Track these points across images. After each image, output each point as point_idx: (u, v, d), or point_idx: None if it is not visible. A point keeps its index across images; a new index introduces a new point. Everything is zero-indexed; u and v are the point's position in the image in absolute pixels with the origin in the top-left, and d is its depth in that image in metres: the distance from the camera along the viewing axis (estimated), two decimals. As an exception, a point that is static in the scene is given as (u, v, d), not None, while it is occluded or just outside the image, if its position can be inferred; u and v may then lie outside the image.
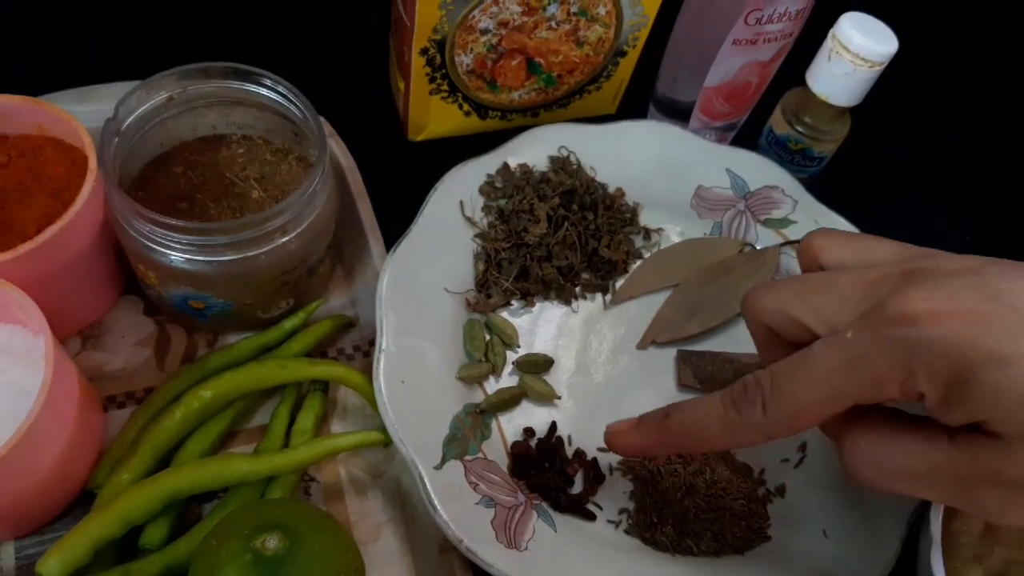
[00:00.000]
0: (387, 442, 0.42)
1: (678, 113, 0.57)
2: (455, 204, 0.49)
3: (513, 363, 0.47)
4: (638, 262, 0.52)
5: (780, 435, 0.33)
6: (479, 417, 0.45)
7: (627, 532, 0.44)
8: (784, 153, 0.55)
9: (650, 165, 0.54)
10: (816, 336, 0.32)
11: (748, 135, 0.59)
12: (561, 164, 0.52)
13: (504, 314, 0.49)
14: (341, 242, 0.51)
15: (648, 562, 0.42)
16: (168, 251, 0.41)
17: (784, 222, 0.53)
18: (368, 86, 0.60)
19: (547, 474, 0.44)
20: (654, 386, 0.48)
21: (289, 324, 0.47)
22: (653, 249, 0.53)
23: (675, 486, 0.44)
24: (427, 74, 0.52)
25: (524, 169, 0.52)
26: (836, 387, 0.30)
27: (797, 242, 0.52)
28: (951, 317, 0.28)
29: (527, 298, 0.50)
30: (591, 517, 0.43)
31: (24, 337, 0.40)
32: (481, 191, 0.51)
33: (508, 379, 0.47)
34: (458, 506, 0.40)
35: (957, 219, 0.61)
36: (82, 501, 0.42)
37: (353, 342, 0.49)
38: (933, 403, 0.29)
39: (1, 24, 0.60)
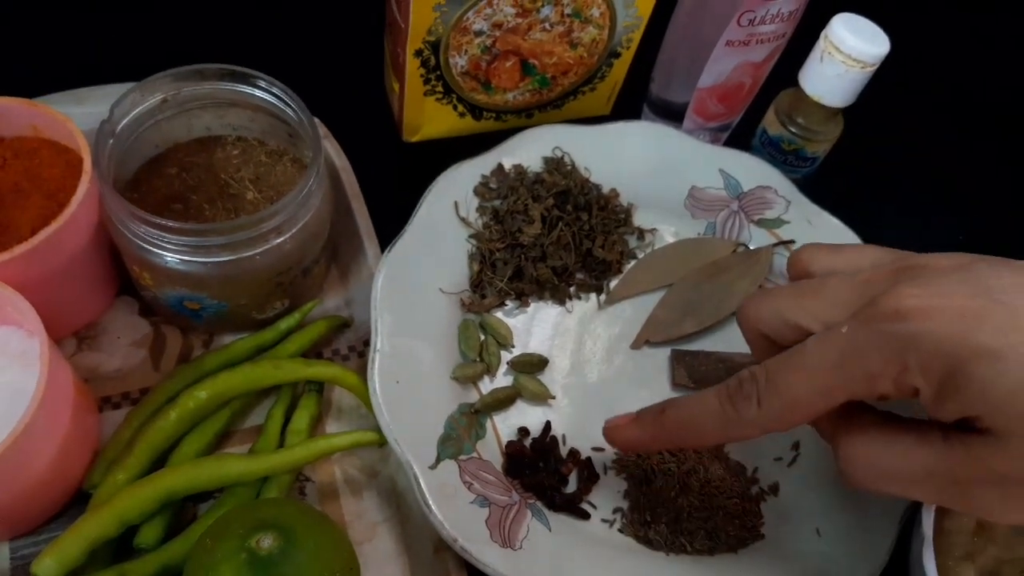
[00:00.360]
0: (382, 442, 0.42)
1: (672, 114, 0.58)
2: (450, 205, 0.50)
3: (508, 363, 0.48)
4: (632, 262, 0.53)
5: (774, 429, 0.33)
6: (474, 417, 0.45)
7: (621, 531, 0.44)
8: (777, 154, 0.55)
9: (644, 166, 0.54)
10: None
11: (741, 136, 0.59)
12: (555, 165, 0.52)
13: (499, 314, 0.49)
14: (336, 243, 0.51)
15: (642, 561, 0.43)
16: (163, 252, 0.41)
17: (777, 222, 0.54)
18: (363, 87, 0.60)
19: (541, 473, 0.44)
20: (648, 386, 0.49)
21: (284, 325, 0.47)
22: (647, 249, 0.53)
23: (669, 485, 0.44)
24: (422, 75, 0.53)
25: (518, 170, 0.52)
26: (830, 381, 0.31)
27: (791, 242, 0.53)
28: (942, 313, 0.28)
29: (522, 298, 0.50)
30: (585, 516, 0.44)
31: (19, 338, 0.40)
32: (476, 192, 0.51)
33: (503, 379, 0.47)
34: (453, 506, 0.40)
35: (950, 219, 0.61)
36: (78, 501, 0.42)
37: (348, 342, 0.50)
38: (927, 398, 0.29)
39: (-3, 26, 0.60)
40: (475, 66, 0.53)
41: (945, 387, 0.28)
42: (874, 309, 0.30)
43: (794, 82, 0.52)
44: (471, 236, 0.50)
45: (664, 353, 0.50)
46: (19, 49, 0.59)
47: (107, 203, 0.41)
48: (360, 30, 0.61)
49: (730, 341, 0.50)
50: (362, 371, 0.44)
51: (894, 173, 0.64)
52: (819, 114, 0.52)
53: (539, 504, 0.43)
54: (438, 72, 0.53)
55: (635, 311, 0.51)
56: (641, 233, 0.53)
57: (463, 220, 0.50)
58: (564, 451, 0.46)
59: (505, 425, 0.46)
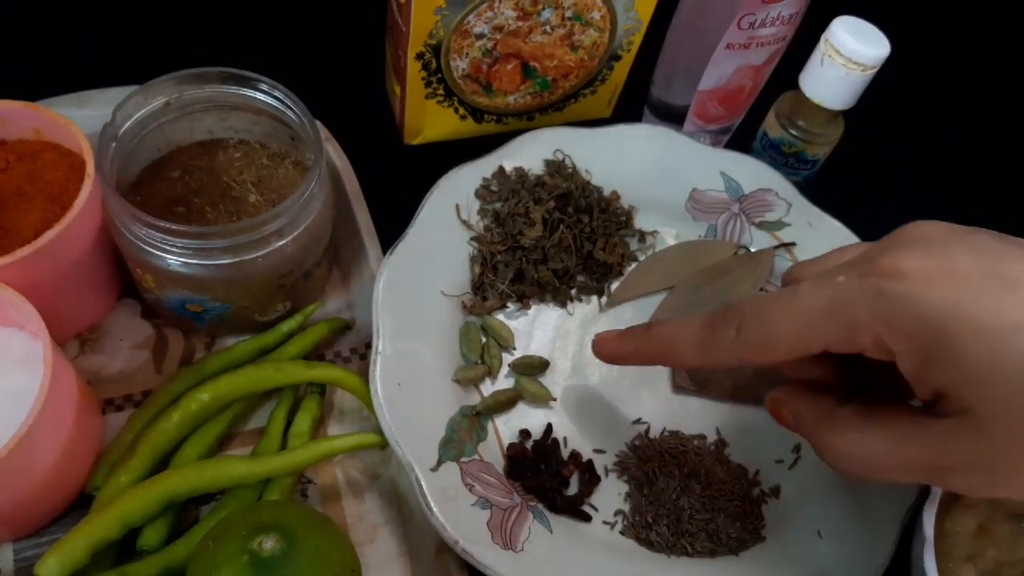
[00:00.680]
0: (383, 444, 0.43)
1: (673, 116, 0.58)
2: (451, 207, 0.50)
3: (509, 365, 0.48)
4: (633, 265, 0.53)
5: (748, 359, 0.33)
6: (475, 419, 0.45)
7: (622, 533, 0.44)
8: (778, 156, 0.55)
9: (645, 168, 0.54)
10: None
11: (742, 138, 0.59)
12: (556, 167, 0.53)
13: (500, 316, 0.49)
14: (338, 245, 0.51)
15: (643, 563, 0.43)
16: (165, 255, 0.41)
17: (778, 224, 0.54)
18: (364, 90, 0.60)
19: (543, 476, 0.44)
20: (649, 388, 0.49)
21: (286, 327, 0.47)
22: (648, 252, 0.53)
23: (670, 487, 0.44)
24: (423, 78, 0.53)
25: (520, 172, 0.52)
26: (812, 325, 0.31)
27: (792, 244, 0.53)
28: (939, 279, 0.28)
29: (523, 301, 0.50)
30: (587, 518, 0.44)
31: (23, 340, 0.40)
32: (477, 194, 0.51)
33: (504, 381, 0.47)
34: (454, 508, 0.40)
35: (951, 220, 0.61)
36: (80, 503, 0.42)
37: (350, 345, 0.50)
38: (909, 365, 0.29)
39: (0, 29, 0.60)
40: (476, 69, 0.53)
41: (930, 356, 0.28)
42: (873, 264, 0.30)
43: (795, 85, 0.52)
44: (472, 239, 0.50)
45: (665, 355, 0.50)
46: (21, 52, 0.59)
47: (110, 206, 0.41)
48: (361, 33, 0.61)
49: (731, 343, 0.51)
50: (364, 373, 0.44)
51: (895, 175, 0.64)
52: (820, 117, 0.53)
53: (540, 506, 0.43)
54: (439, 75, 0.53)
55: (636, 313, 0.51)
56: (642, 235, 0.53)
57: (464, 223, 0.50)
58: (565, 453, 0.46)
59: (506, 427, 0.46)
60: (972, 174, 0.66)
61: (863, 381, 0.36)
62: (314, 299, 0.49)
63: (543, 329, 0.50)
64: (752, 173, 0.54)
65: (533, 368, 0.48)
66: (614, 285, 0.52)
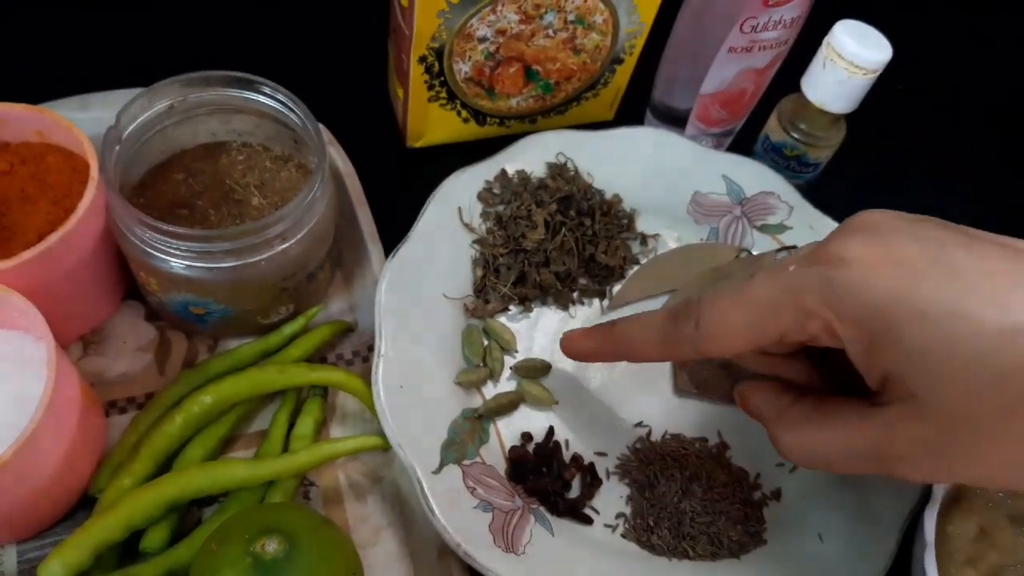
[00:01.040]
0: (386, 447, 0.43)
1: (675, 120, 0.58)
2: (453, 210, 0.50)
3: (511, 368, 0.48)
4: (635, 267, 0.53)
5: (709, 352, 0.34)
6: (477, 422, 0.45)
7: (624, 536, 0.44)
8: (780, 159, 0.55)
9: (647, 171, 0.54)
10: None
11: (744, 141, 0.60)
12: (559, 170, 0.53)
13: (502, 319, 0.49)
14: (340, 248, 0.51)
15: (645, 566, 0.43)
16: (169, 258, 0.41)
17: (780, 228, 0.54)
18: (367, 93, 0.61)
19: (545, 478, 0.44)
20: (650, 391, 0.49)
21: (289, 330, 0.47)
22: (650, 254, 0.53)
23: (671, 490, 0.44)
24: (425, 81, 0.53)
25: (522, 175, 0.52)
26: (765, 313, 0.32)
27: (793, 247, 0.53)
28: (885, 267, 0.29)
29: (525, 303, 0.50)
30: (588, 521, 0.44)
31: (26, 343, 0.40)
32: (479, 197, 0.51)
33: (506, 384, 0.47)
34: (456, 510, 0.40)
35: (954, 223, 0.61)
36: (83, 505, 0.42)
37: (352, 347, 0.50)
38: (856, 351, 0.30)
39: (3, 31, 0.60)
40: (479, 72, 0.53)
41: (875, 342, 0.29)
42: (821, 252, 0.31)
43: (796, 88, 0.53)
44: (475, 241, 0.50)
45: (667, 358, 0.50)
46: (25, 54, 0.60)
47: (113, 209, 0.41)
48: (364, 36, 0.61)
49: (733, 346, 0.51)
50: (366, 376, 0.44)
51: (896, 178, 0.64)
52: (821, 120, 0.53)
53: (542, 509, 0.43)
54: (442, 78, 0.53)
55: (638, 316, 0.51)
56: (644, 238, 0.54)
57: (467, 226, 0.50)
58: (567, 456, 0.46)
59: (508, 430, 0.46)
60: (973, 176, 0.66)
61: (834, 380, 0.36)
62: (317, 302, 0.49)
63: (545, 332, 0.50)
64: (754, 176, 0.55)
65: (535, 371, 0.48)
66: (616, 288, 0.52)
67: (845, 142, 0.54)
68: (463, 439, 0.44)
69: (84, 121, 0.45)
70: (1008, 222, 0.63)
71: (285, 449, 0.44)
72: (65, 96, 0.49)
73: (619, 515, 0.44)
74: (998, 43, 0.76)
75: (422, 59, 0.51)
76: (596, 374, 0.49)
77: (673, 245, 0.54)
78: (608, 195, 0.53)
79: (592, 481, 0.45)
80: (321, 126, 0.46)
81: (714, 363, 0.49)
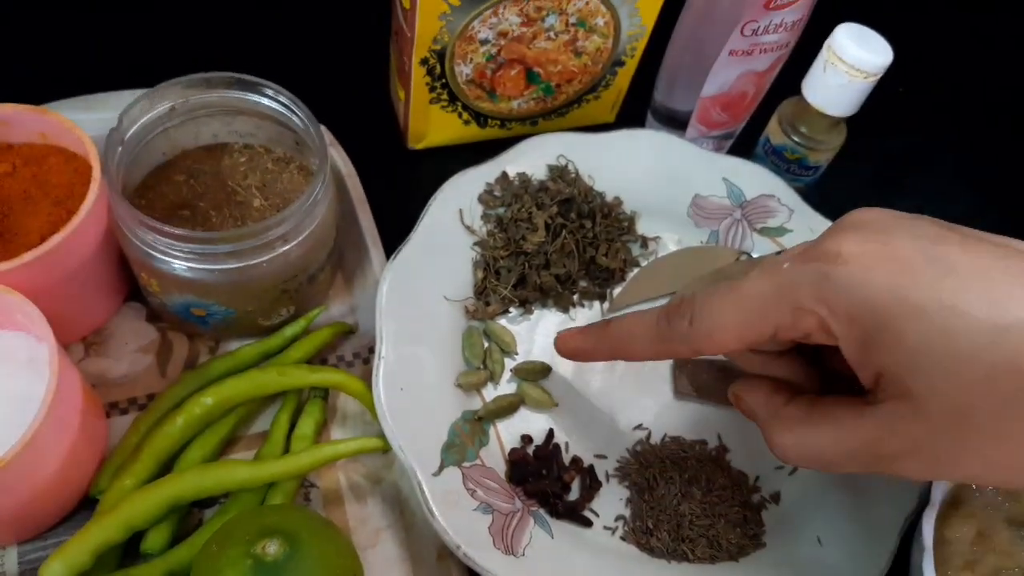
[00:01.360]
0: (386, 449, 0.43)
1: (675, 122, 0.58)
2: (454, 212, 0.50)
3: (511, 370, 0.48)
4: (635, 270, 0.53)
5: (703, 350, 0.34)
6: (477, 424, 0.45)
7: (623, 539, 0.44)
8: (780, 162, 0.55)
9: (648, 174, 0.54)
10: None
11: (744, 144, 0.60)
12: (559, 173, 0.53)
13: (502, 321, 0.49)
14: (341, 250, 0.51)
15: (644, 568, 0.43)
16: (170, 259, 0.41)
17: (780, 231, 0.54)
18: (368, 95, 0.61)
19: (544, 481, 0.44)
20: (650, 394, 0.49)
21: (290, 331, 0.47)
22: (650, 257, 0.53)
23: (671, 493, 0.45)
24: (427, 83, 0.53)
25: (523, 178, 0.52)
26: (759, 310, 0.32)
27: (793, 251, 0.53)
28: (880, 264, 0.29)
29: (525, 306, 0.50)
30: (587, 523, 0.44)
31: (28, 344, 0.40)
32: (480, 199, 0.51)
33: (506, 386, 0.48)
34: (456, 512, 0.40)
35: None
36: (85, 506, 0.42)
37: (353, 349, 0.50)
38: (850, 348, 0.30)
39: (5, 33, 0.61)
40: (480, 74, 0.53)
41: (870, 339, 0.29)
42: (815, 249, 0.31)
43: (797, 91, 0.53)
44: (475, 244, 0.50)
45: (666, 362, 0.50)
46: (27, 55, 0.60)
47: (115, 210, 0.42)
48: (366, 38, 0.61)
49: (732, 349, 0.51)
50: (367, 378, 0.44)
51: (897, 182, 0.64)
52: (822, 123, 0.53)
53: (542, 511, 0.43)
54: (443, 80, 0.53)
55: (638, 319, 0.51)
56: (644, 241, 0.54)
57: (467, 228, 0.50)
58: (567, 458, 0.46)
59: (508, 432, 0.46)
60: (974, 179, 0.66)
61: (827, 380, 0.36)
62: (318, 303, 0.50)
63: (545, 334, 0.50)
64: (754, 179, 0.55)
65: (535, 373, 0.48)
66: (616, 290, 0.52)
67: (846, 145, 0.54)
68: (463, 441, 0.44)
69: (87, 122, 0.45)
70: (1009, 223, 0.63)
71: (286, 451, 0.45)
72: (68, 97, 0.49)
73: (618, 517, 0.45)
74: (998, 45, 0.76)
75: (424, 61, 0.51)
76: (596, 377, 0.49)
77: (673, 248, 0.54)
78: (609, 197, 0.54)
79: (592, 483, 0.45)
80: (323, 128, 0.46)
81: (714, 366, 0.49)
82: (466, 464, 0.43)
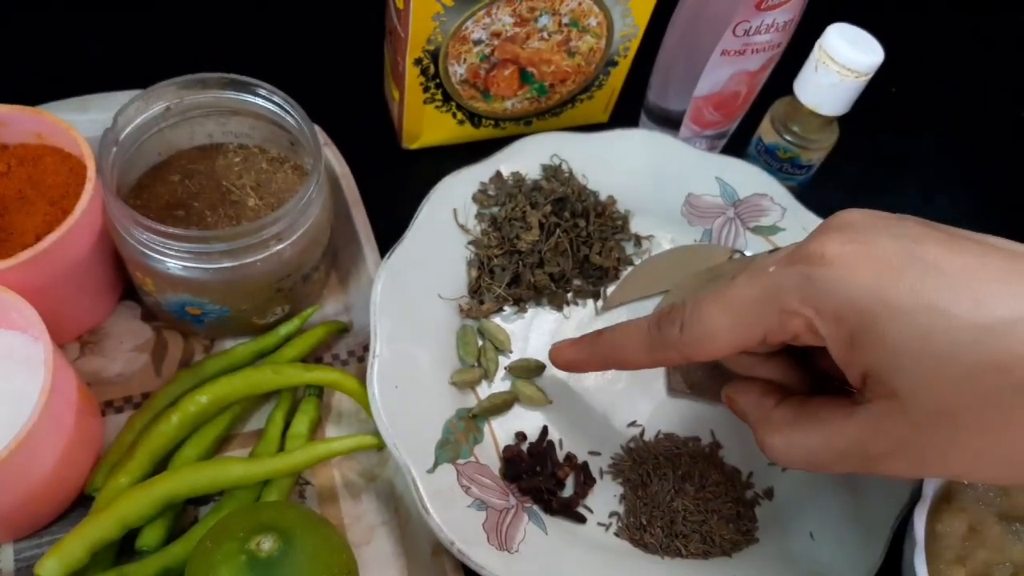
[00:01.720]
0: (381, 446, 0.43)
1: (669, 122, 0.58)
2: (448, 212, 0.50)
3: (505, 368, 0.48)
4: (629, 269, 0.53)
5: (695, 356, 0.35)
6: (471, 421, 0.46)
7: (617, 534, 0.44)
8: (773, 161, 0.56)
9: (641, 173, 0.54)
10: None
11: (737, 144, 0.60)
12: (553, 172, 0.53)
13: (497, 320, 0.50)
14: (336, 249, 0.52)
15: (638, 564, 0.43)
16: (165, 258, 0.41)
17: (773, 229, 0.54)
18: (363, 95, 0.61)
19: (538, 477, 0.44)
20: (644, 391, 0.49)
21: (284, 330, 0.47)
22: (644, 256, 0.54)
23: (664, 489, 0.45)
24: (421, 84, 0.53)
25: (517, 177, 0.52)
26: (747, 314, 0.32)
27: (785, 249, 0.53)
28: (864, 264, 0.29)
29: (519, 304, 0.50)
30: (581, 520, 0.44)
31: (24, 343, 0.41)
32: (474, 199, 0.51)
33: (500, 384, 0.48)
34: (450, 509, 0.41)
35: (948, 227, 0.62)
36: (80, 504, 0.42)
37: (348, 347, 0.50)
38: (838, 349, 0.30)
39: (2, 32, 0.61)
40: (474, 74, 0.54)
41: (856, 339, 0.29)
42: (800, 252, 0.31)
43: (789, 91, 0.53)
44: (470, 243, 0.50)
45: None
46: (23, 55, 0.60)
47: (110, 210, 0.42)
48: (360, 38, 0.61)
49: (726, 347, 0.51)
50: (361, 376, 0.44)
51: (889, 180, 0.65)
52: (814, 122, 0.53)
53: (536, 508, 0.44)
54: (437, 80, 0.53)
55: (632, 317, 0.51)
56: (638, 240, 0.54)
57: (462, 227, 0.50)
58: (561, 455, 0.46)
59: (503, 430, 0.46)
60: (966, 178, 0.66)
61: (817, 380, 0.37)
62: (312, 302, 0.50)
63: (539, 332, 0.50)
64: (747, 178, 0.55)
65: (529, 371, 0.48)
66: (610, 289, 0.52)
67: (838, 144, 0.54)
68: (457, 438, 0.44)
69: (82, 123, 0.45)
70: (1000, 223, 0.64)
71: (281, 448, 0.45)
72: (63, 98, 0.50)
73: (612, 514, 0.45)
74: (990, 45, 0.76)
75: (417, 61, 0.51)
76: (590, 374, 0.49)
77: (667, 246, 0.54)
78: (602, 196, 0.54)
79: (585, 480, 0.45)
80: (317, 128, 0.46)
81: (707, 364, 0.50)
82: (460, 461, 0.43)
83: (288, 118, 0.45)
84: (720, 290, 0.33)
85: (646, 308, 0.52)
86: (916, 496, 0.42)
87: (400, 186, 0.54)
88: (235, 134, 0.49)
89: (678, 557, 0.43)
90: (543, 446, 0.46)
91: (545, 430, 0.47)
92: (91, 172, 0.43)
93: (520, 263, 0.50)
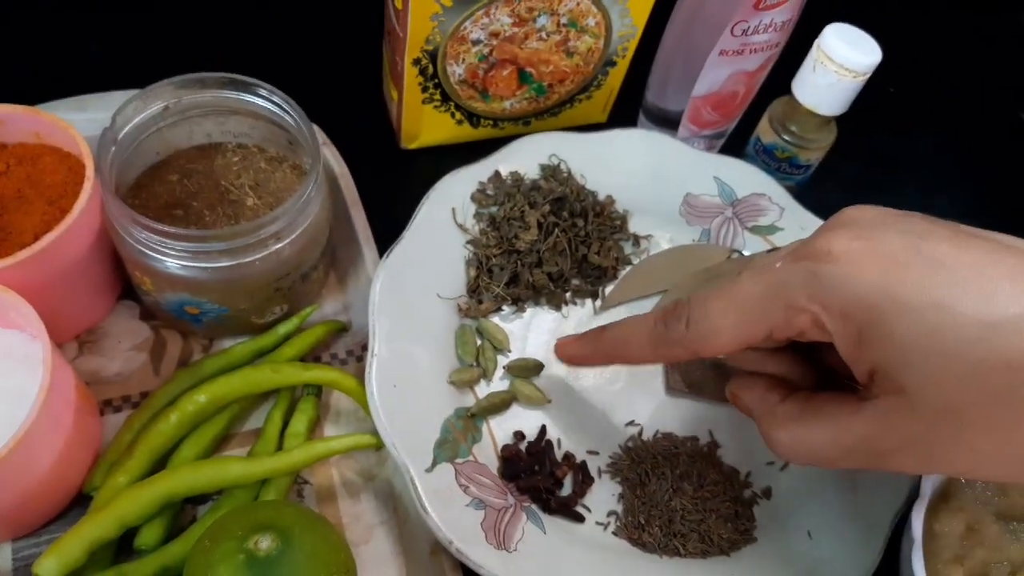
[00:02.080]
0: (379, 445, 0.43)
1: (667, 122, 0.58)
2: (447, 211, 0.50)
3: (504, 367, 0.48)
4: (627, 268, 0.53)
5: (700, 352, 0.34)
6: (470, 421, 0.46)
7: (615, 534, 0.44)
8: (771, 161, 0.56)
9: (640, 173, 0.55)
10: None
11: (736, 143, 0.60)
12: (552, 172, 0.53)
13: (495, 319, 0.50)
14: (335, 248, 0.52)
15: (636, 563, 0.43)
16: (164, 258, 0.41)
17: (771, 229, 0.54)
18: (362, 95, 0.61)
19: (537, 476, 0.44)
20: (642, 390, 0.49)
21: (283, 329, 0.47)
22: (642, 255, 0.54)
23: (662, 488, 0.45)
24: (420, 84, 0.53)
25: (515, 177, 0.52)
26: (753, 311, 0.32)
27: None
28: (870, 260, 0.29)
29: (518, 304, 0.50)
30: (580, 519, 0.44)
31: (22, 342, 0.41)
32: (473, 198, 0.51)
33: (499, 383, 0.48)
34: (449, 508, 0.41)
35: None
36: (79, 503, 0.43)
37: (346, 347, 0.50)
38: (845, 345, 0.30)
39: (1, 32, 0.61)
40: (472, 75, 0.54)
41: (863, 335, 0.29)
42: (806, 248, 0.31)
43: (788, 90, 0.53)
44: (468, 242, 0.50)
45: (659, 358, 0.50)
46: (22, 55, 0.60)
47: (109, 209, 0.42)
48: (359, 38, 0.61)
49: (724, 346, 0.51)
50: (360, 375, 0.44)
51: (887, 180, 0.65)
52: (812, 122, 0.53)
53: (534, 507, 0.44)
54: (436, 80, 0.53)
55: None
56: (636, 239, 0.54)
57: (460, 226, 0.50)
58: (559, 455, 0.46)
59: (501, 429, 0.46)
60: (964, 178, 0.67)
61: (822, 376, 0.37)
62: (311, 302, 0.50)
63: (538, 332, 0.50)
64: (745, 178, 0.55)
65: (528, 370, 0.48)
66: (608, 288, 0.52)
67: (836, 144, 0.55)
68: (456, 438, 0.44)
69: (81, 122, 0.45)
70: (999, 223, 0.64)
71: (279, 448, 0.45)
72: (62, 97, 0.50)
73: (610, 513, 0.45)
74: (988, 44, 0.76)
75: (416, 61, 0.51)
76: (588, 373, 0.49)
77: (665, 246, 0.54)
78: (601, 196, 0.54)
79: (584, 479, 0.45)
80: (316, 127, 0.46)
81: (706, 363, 0.50)
82: (459, 460, 0.43)
83: (287, 118, 0.45)
84: (725, 286, 0.33)
85: (644, 308, 0.52)
86: (914, 495, 0.42)
87: (399, 186, 0.54)
88: (234, 133, 0.49)
89: (676, 556, 0.44)
90: (541, 445, 0.46)
91: (543, 429, 0.47)
92: (90, 171, 0.43)
93: (519, 263, 0.50)
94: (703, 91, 0.54)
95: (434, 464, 0.42)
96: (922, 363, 0.28)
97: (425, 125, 0.57)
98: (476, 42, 0.51)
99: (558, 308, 0.51)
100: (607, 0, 0.51)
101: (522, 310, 0.50)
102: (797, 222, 0.54)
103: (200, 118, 0.47)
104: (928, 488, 0.42)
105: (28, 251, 0.40)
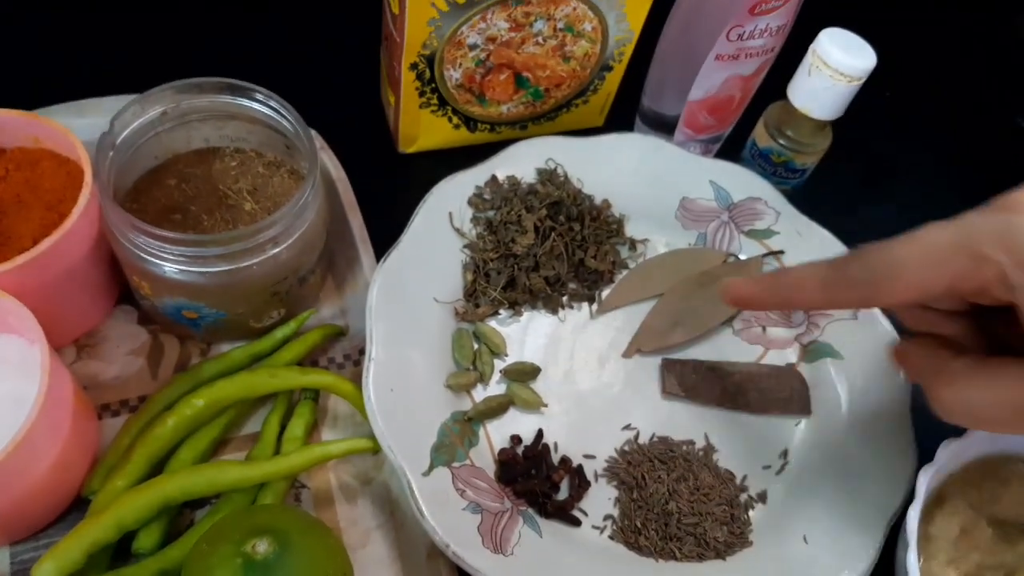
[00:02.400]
0: (376, 449, 0.43)
1: (664, 126, 0.58)
2: (444, 216, 0.50)
3: (501, 371, 0.48)
4: (624, 272, 0.53)
5: (877, 298, 0.33)
6: (467, 424, 0.46)
7: (612, 537, 0.44)
8: (767, 165, 0.56)
9: (636, 177, 0.55)
10: None
11: (732, 148, 0.60)
12: (548, 176, 0.53)
13: (492, 323, 0.50)
14: (332, 253, 0.52)
15: (632, 567, 0.43)
16: (162, 262, 0.42)
17: (767, 233, 0.54)
18: (359, 100, 0.61)
19: (533, 480, 0.44)
20: (639, 394, 0.49)
21: (280, 333, 0.48)
22: (639, 259, 0.54)
23: (659, 492, 0.45)
24: (417, 88, 0.54)
25: (512, 181, 0.53)
26: (939, 257, 0.30)
27: (780, 252, 0.53)
28: None
29: (515, 307, 0.50)
30: (576, 523, 0.44)
31: (20, 346, 0.41)
32: (470, 203, 0.51)
33: (496, 387, 0.48)
34: (445, 512, 0.41)
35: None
36: (77, 507, 0.43)
37: (343, 351, 0.50)
38: None
39: (-2, 38, 0.61)
40: (469, 79, 0.54)
41: None
42: (1002, 200, 0.30)
43: (783, 95, 0.53)
44: (465, 246, 0.51)
45: (655, 362, 0.51)
46: (20, 60, 0.60)
47: (107, 214, 0.42)
48: (356, 43, 0.61)
49: (720, 350, 0.51)
50: (357, 379, 0.44)
51: (883, 184, 0.65)
52: (808, 127, 0.53)
53: (531, 511, 0.44)
54: (433, 85, 0.54)
55: (627, 320, 0.52)
56: (633, 243, 0.54)
57: (457, 230, 0.51)
58: (556, 458, 0.46)
59: (498, 433, 0.47)
60: (960, 182, 0.67)
61: (994, 348, 0.35)
62: (308, 306, 0.50)
63: (535, 336, 0.50)
64: (741, 182, 0.55)
65: (525, 374, 0.48)
66: (605, 292, 0.52)
67: (832, 148, 0.55)
68: (453, 441, 0.44)
69: (79, 127, 0.45)
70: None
71: (277, 452, 0.45)
72: (60, 102, 0.50)
73: (607, 516, 0.45)
74: (984, 49, 0.77)
75: (413, 66, 0.52)
76: (585, 378, 0.49)
77: (662, 250, 0.55)
78: (597, 200, 0.54)
79: (580, 483, 0.45)
80: (313, 132, 0.46)
81: (702, 367, 0.50)
82: (456, 464, 0.43)
83: (284, 122, 0.45)
84: (910, 235, 0.31)
85: (642, 311, 0.52)
86: (909, 498, 0.43)
87: (396, 190, 0.55)
88: (231, 138, 0.49)
89: (672, 560, 0.44)
90: (538, 449, 0.46)
91: (540, 433, 0.47)
92: (88, 176, 0.43)
93: (515, 267, 0.50)
94: (699, 96, 0.55)
95: (431, 468, 0.42)
96: None
97: (422, 129, 0.57)
98: (473, 47, 0.51)
99: (555, 312, 0.51)
100: (603, 5, 0.51)
101: (519, 314, 0.51)
102: (793, 226, 0.54)
103: (198, 123, 0.48)
104: (922, 491, 0.42)
105: (26, 256, 0.40)
